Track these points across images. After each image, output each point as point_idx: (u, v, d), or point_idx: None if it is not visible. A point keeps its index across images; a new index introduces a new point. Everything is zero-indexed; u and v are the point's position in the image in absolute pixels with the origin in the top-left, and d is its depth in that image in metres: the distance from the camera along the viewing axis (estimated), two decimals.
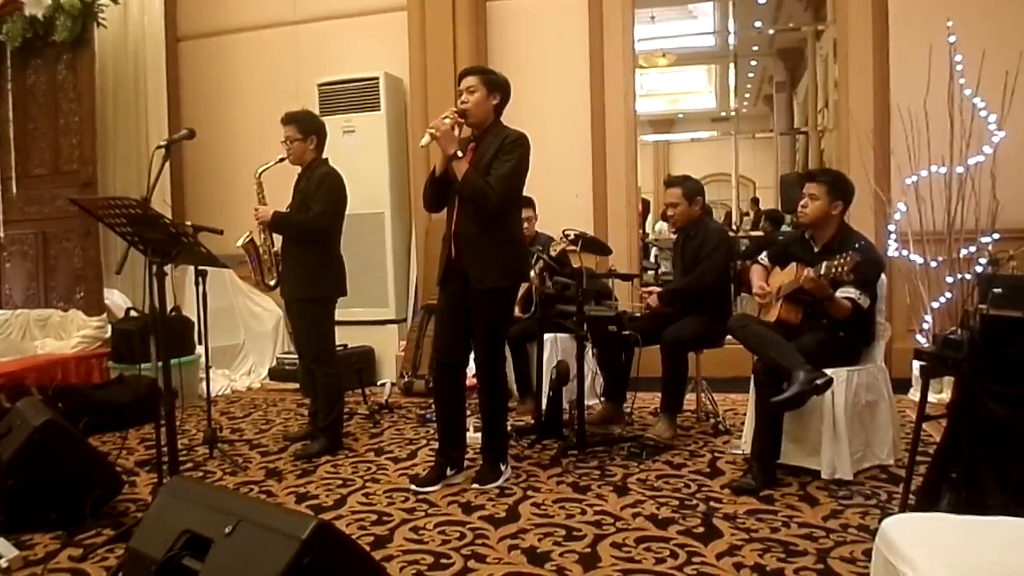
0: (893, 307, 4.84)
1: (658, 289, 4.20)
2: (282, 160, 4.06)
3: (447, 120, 3.23)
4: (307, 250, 3.95)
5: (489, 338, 3.41)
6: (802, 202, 3.55)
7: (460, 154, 3.24)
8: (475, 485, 3.35)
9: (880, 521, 1.74)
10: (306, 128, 4.01)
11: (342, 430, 4.14)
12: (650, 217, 9.97)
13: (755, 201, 10.63)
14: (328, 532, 1.83)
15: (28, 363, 5.14)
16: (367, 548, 2.63)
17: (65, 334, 5.57)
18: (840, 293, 3.31)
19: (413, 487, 3.35)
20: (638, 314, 4.32)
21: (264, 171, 4.07)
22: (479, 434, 4.11)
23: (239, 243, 4.07)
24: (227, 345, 6.05)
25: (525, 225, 4.84)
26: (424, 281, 5.79)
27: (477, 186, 3.21)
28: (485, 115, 3.34)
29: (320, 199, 3.91)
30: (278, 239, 4.10)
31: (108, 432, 4.39)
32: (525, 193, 4.91)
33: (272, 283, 4.14)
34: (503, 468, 3.45)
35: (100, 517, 3.01)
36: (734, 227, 9.62)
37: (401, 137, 6.09)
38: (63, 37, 5.52)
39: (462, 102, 3.31)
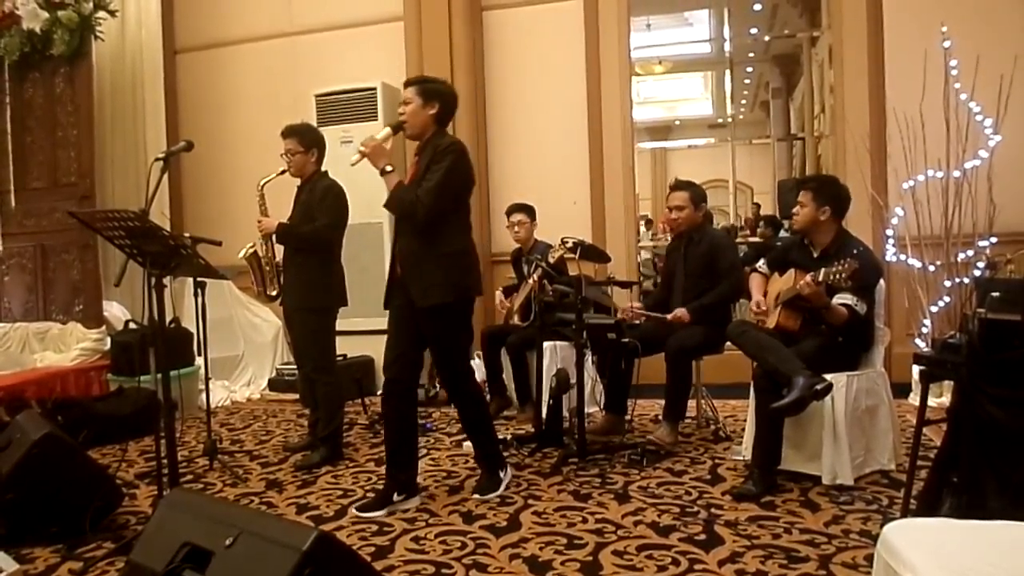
0: (892, 312, 4.84)
1: (683, 311, 4.09)
2: (283, 172, 4.08)
3: (378, 135, 3.16)
4: (310, 260, 3.96)
5: (446, 357, 3.32)
6: (794, 209, 3.61)
7: (390, 169, 3.16)
8: (476, 496, 3.32)
9: (882, 526, 1.74)
10: (308, 141, 4.04)
11: (342, 440, 4.13)
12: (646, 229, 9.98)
13: (757, 207, 10.63)
14: (329, 543, 1.83)
15: (27, 376, 5.14)
16: (368, 559, 2.63)
17: (64, 347, 5.57)
18: (837, 300, 3.32)
19: (354, 511, 3.22)
20: (637, 322, 4.31)
21: (266, 183, 4.08)
22: None
23: (241, 255, 4.09)
24: (226, 356, 6.04)
25: (518, 230, 4.89)
26: None
27: (404, 200, 3.14)
28: (423, 126, 3.24)
29: (325, 211, 3.94)
30: (279, 250, 4.12)
31: (108, 444, 4.38)
32: (525, 201, 5.00)
33: (274, 294, 4.16)
34: (502, 475, 3.43)
35: (100, 530, 3.00)
36: (739, 226, 9.66)
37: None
38: (61, 51, 5.54)
39: (399, 114, 3.25)
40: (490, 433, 3.50)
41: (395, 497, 3.24)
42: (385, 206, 3.25)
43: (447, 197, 3.16)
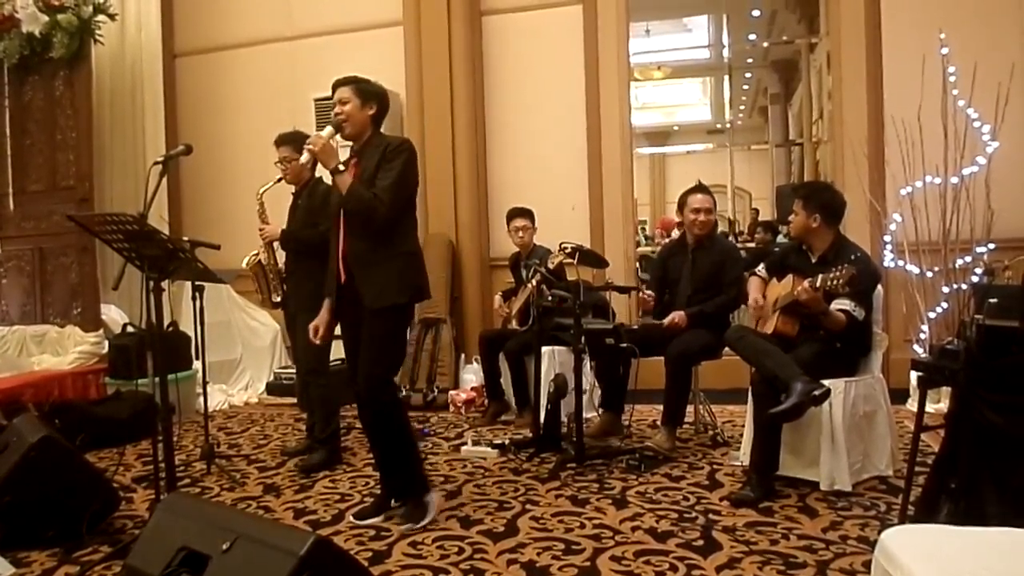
0: (890, 317, 4.85)
1: (681, 315, 4.11)
2: (280, 180, 4.10)
3: (323, 134, 3.06)
4: (313, 264, 3.96)
5: (378, 361, 3.05)
6: (789, 216, 3.64)
7: (343, 168, 3.04)
8: (405, 526, 3.04)
9: (879, 532, 1.74)
10: (302, 148, 4.04)
11: (340, 443, 4.13)
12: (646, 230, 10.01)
13: (756, 212, 10.65)
14: (326, 548, 1.83)
15: (25, 379, 5.12)
16: (365, 564, 2.62)
17: (62, 350, 5.56)
18: (835, 305, 3.33)
19: (351, 518, 3.15)
20: (635, 326, 4.31)
21: (265, 191, 4.10)
22: (477, 447, 4.12)
23: (245, 264, 4.11)
24: (224, 360, 6.03)
25: (521, 235, 4.89)
26: None
27: (363, 198, 2.98)
28: (362, 126, 3.13)
29: (329, 215, 3.94)
30: (280, 257, 4.13)
31: (105, 448, 4.37)
32: (523, 205, 5.00)
33: (278, 300, 4.17)
34: (427, 499, 3.14)
35: (97, 534, 3.00)
36: (738, 231, 9.69)
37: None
38: (60, 54, 5.54)
39: (336, 114, 3.11)
40: (410, 455, 3.18)
41: (393, 503, 3.20)
42: (342, 205, 3.07)
43: (405, 195, 3.10)
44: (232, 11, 6.69)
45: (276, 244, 4.12)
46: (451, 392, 5.35)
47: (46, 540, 2.91)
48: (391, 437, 3.14)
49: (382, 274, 3.04)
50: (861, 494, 3.24)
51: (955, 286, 4.80)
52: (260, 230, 4.08)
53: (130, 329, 5.34)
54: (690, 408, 4.30)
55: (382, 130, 3.23)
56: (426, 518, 3.08)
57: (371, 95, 3.15)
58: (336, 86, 3.16)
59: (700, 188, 4.28)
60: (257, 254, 4.12)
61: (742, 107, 10.89)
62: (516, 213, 4.96)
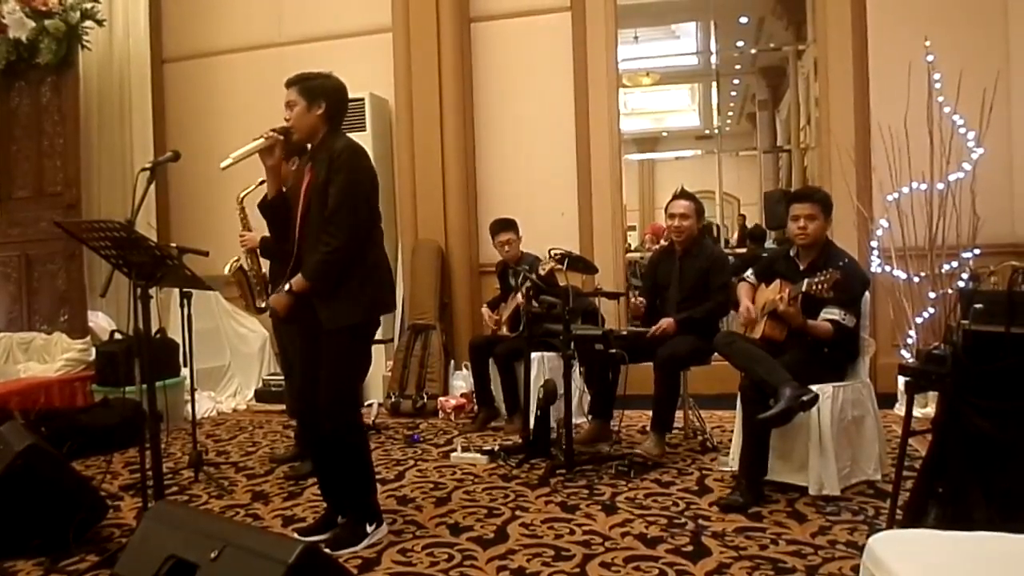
0: (877, 322, 4.88)
1: (670, 321, 4.12)
2: (262, 182, 4.06)
3: (261, 140, 2.91)
4: None
5: (338, 380, 2.89)
6: (800, 224, 3.52)
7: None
8: (326, 549, 2.68)
9: (867, 537, 1.75)
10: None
11: None
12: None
13: (743, 218, 10.69)
14: (315, 556, 1.83)
15: (11, 387, 5.08)
16: (355, 571, 2.62)
17: (49, 357, 5.52)
18: (825, 315, 3.36)
19: (295, 535, 2.98)
20: (624, 332, 4.32)
21: (246, 195, 4.08)
22: (467, 454, 4.12)
23: (227, 270, 4.08)
24: (212, 367, 6.00)
25: (507, 249, 4.88)
26: (411, 301, 5.79)
27: (318, 267, 2.82)
28: (312, 129, 2.95)
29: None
30: (264, 262, 4.11)
31: (92, 456, 4.34)
32: (508, 216, 4.99)
33: (263, 306, 4.14)
34: (369, 528, 2.95)
35: (84, 543, 2.98)
36: (725, 240, 9.73)
37: (387, 157, 6.10)
38: (47, 59, 5.51)
39: (285, 119, 2.97)
40: (366, 479, 3.03)
41: (340, 519, 3.03)
42: (310, 279, 2.86)
43: (359, 213, 2.87)
44: (221, 17, 6.68)
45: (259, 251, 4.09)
46: (441, 398, 5.34)
47: (32, 549, 2.89)
48: (347, 459, 2.96)
49: (339, 291, 2.85)
50: (849, 499, 3.26)
51: (942, 291, 4.84)
52: (241, 236, 4.06)
53: (118, 336, 5.31)
54: (679, 414, 4.31)
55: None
56: (356, 546, 2.88)
57: (319, 93, 2.93)
58: (286, 87, 2.99)
59: (682, 194, 4.30)
60: (238, 260, 4.09)
61: (730, 113, 10.94)
62: (499, 227, 4.93)
